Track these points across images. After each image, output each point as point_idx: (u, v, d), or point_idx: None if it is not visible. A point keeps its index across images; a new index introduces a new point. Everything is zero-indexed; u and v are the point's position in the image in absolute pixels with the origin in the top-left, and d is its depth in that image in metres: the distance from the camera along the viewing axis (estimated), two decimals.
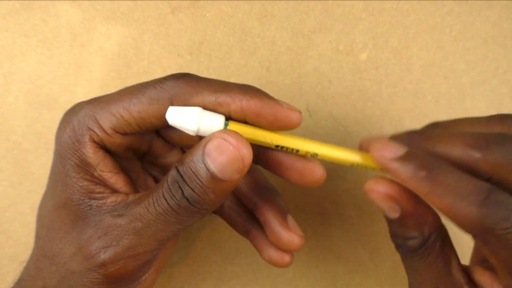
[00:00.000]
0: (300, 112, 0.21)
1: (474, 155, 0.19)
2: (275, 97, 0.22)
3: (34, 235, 0.22)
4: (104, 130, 0.21)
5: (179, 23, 0.31)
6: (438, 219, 0.20)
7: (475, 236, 0.18)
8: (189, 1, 0.31)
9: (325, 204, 0.33)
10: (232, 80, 0.31)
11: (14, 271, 0.31)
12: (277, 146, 0.21)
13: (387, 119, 0.32)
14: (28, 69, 0.31)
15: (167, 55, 0.31)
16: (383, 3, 0.31)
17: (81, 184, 0.21)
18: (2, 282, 0.31)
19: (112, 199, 0.21)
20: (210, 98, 0.20)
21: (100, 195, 0.21)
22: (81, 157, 0.21)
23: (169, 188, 0.19)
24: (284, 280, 0.33)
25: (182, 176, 0.19)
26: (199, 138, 0.23)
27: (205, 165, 0.18)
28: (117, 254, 0.19)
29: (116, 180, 0.22)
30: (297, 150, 0.21)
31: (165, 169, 0.25)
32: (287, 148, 0.21)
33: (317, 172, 0.22)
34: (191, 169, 0.19)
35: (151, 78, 0.22)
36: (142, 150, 0.24)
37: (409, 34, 0.31)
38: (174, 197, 0.19)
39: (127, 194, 0.21)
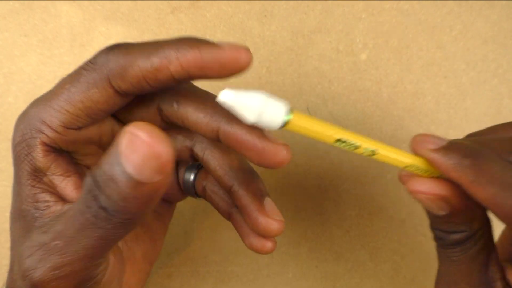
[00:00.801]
0: (248, 50, 0.18)
1: None
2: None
3: None
4: (54, 130, 0.19)
5: (179, 23, 0.31)
6: (485, 213, 0.20)
7: None
8: (189, 1, 0.31)
9: (325, 204, 0.33)
10: (232, 79, 0.31)
11: None
12: (337, 140, 0.19)
13: (387, 119, 0.32)
14: (28, 69, 0.31)
15: None
16: (383, 3, 0.31)
17: (28, 192, 0.19)
18: (2, 282, 0.31)
19: (51, 210, 0.19)
20: (145, 65, 0.18)
21: (44, 204, 0.19)
22: (31, 162, 0.20)
23: (84, 199, 0.16)
24: (284, 280, 0.33)
25: (97, 182, 0.16)
26: (160, 115, 0.21)
27: (122, 167, 0.15)
28: (45, 275, 0.18)
29: (66, 184, 0.20)
30: (357, 147, 0.19)
31: None
32: (346, 142, 0.19)
33: (280, 155, 0.19)
34: (105, 173, 0.16)
35: None
36: (104, 142, 0.22)
37: (409, 34, 0.31)
38: (90, 208, 0.16)
39: (71, 202, 0.19)
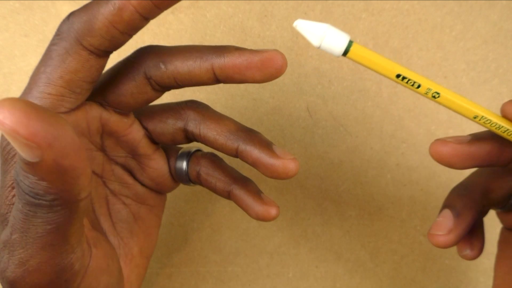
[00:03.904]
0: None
1: None
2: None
3: None
4: None
5: (179, 23, 0.31)
6: None
7: None
8: (189, 1, 0.31)
9: (325, 204, 0.33)
10: None
11: None
12: (398, 76, 0.19)
13: (387, 119, 0.32)
14: (28, 69, 0.31)
15: None
16: (383, 3, 0.31)
17: (7, 195, 0.19)
18: None
19: None
20: (108, 9, 0.18)
21: None
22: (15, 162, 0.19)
23: (16, 189, 0.17)
24: (284, 280, 0.33)
25: (15, 170, 0.16)
26: (150, 85, 0.21)
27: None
28: (16, 273, 0.17)
29: None
30: (419, 85, 0.19)
31: (130, 150, 0.23)
32: (408, 80, 0.19)
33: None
34: (17, 160, 0.16)
35: None
36: (93, 130, 0.22)
37: (409, 34, 0.31)
38: (20, 196, 0.16)
39: None
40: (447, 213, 0.23)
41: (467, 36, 0.32)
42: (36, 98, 0.19)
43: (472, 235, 0.24)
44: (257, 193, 0.23)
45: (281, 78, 0.31)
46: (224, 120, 0.23)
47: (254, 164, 0.22)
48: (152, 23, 0.31)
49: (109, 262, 0.21)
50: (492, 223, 0.24)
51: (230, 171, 0.24)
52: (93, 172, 0.23)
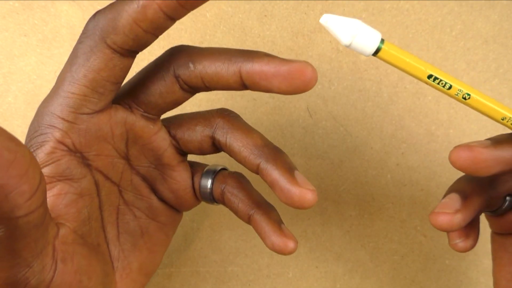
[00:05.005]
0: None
1: None
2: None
3: None
4: (64, 119, 0.19)
5: (179, 23, 0.31)
6: None
7: None
8: None
9: (325, 204, 0.33)
10: None
11: None
12: (429, 76, 0.19)
13: (387, 119, 0.32)
14: (28, 69, 0.31)
15: None
16: (383, 3, 0.31)
17: None
18: None
19: None
20: (132, 7, 0.18)
21: None
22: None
23: None
24: (284, 280, 0.33)
25: None
26: (178, 84, 0.21)
27: None
28: None
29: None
30: (450, 87, 0.19)
31: (154, 160, 0.23)
32: (440, 80, 0.19)
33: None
34: None
35: None
36: (117, 135, 0.21)
37: (410, 34, 0.31)
38: None
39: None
40: (454, 195, 0.21)
41: (468, 36, 0.32)
42: (61, 97, 0.19)
43: (468, 225, 0.22)
44: (277, 223, 0.22)
45: None
46: (252, 134, 0.22)
47: (271, 185, 0.21)
48: None
49: (83, 278, 0.20)
50: None
51: (255, 195, 0.23)
52: (110, 180, 0.22)
